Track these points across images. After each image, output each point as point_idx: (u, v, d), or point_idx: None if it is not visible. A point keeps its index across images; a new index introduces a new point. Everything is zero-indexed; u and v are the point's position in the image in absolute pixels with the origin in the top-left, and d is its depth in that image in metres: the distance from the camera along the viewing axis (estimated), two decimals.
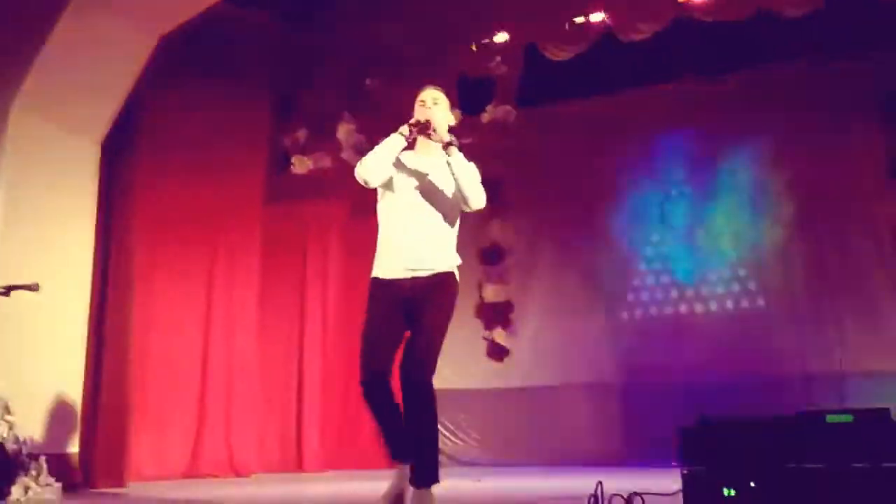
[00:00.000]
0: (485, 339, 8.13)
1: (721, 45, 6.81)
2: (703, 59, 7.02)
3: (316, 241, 7.68)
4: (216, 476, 6.37)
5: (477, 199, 3.31)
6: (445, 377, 7.82)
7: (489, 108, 6.81)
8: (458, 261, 3.35)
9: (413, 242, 3.29)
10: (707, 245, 7.39)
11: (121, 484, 5.41)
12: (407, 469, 3.14)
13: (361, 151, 7.10)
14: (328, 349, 7.51)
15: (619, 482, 2.63)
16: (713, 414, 2.65)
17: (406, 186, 3.38)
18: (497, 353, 8.09)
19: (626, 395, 7.31)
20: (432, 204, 3.33)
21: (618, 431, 7.18)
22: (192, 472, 6.38)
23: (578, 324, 7.56)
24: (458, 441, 7.72)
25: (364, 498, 4.38)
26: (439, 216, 3.32)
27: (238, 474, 6.49)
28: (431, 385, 3.15)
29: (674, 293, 7.44)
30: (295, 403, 7.34)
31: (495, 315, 8.03)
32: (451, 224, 3.35)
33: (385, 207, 3.44)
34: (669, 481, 2.71)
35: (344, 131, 7.02)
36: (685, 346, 7.24)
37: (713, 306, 7.28)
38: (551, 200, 7.89)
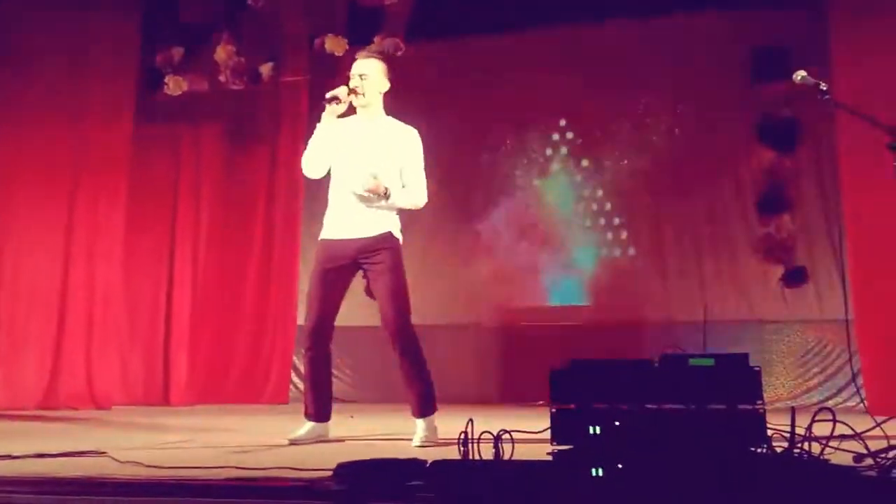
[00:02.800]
0: (364, 277, 8.02)
1: None
2: (590, 3, 7.05)
3: (189, 165, 7.33)
4: (74, 408, 6.10)
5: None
6: None
7: (377, 39, 6.62)
8: (396, 222, 3.69)
9: (350, 206, 3.63)
10: (586, 194, 7.55)
11: None
12: (322, 427, 3.69)
13: (240, 75, 6.85)
14: (199, 279, 7.25)
15: (490, 421, 2.66)
16: (582, 356, 2.70)
17: (345, 152, 3.67)
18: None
19: (501, 337, 7.46)
20: (368, 168, 3.59)
21: (492, 373, 7.34)
22: (48, 404, 6.09)
23: (458, 267, 7.59)
24: (332, 378, 7.68)
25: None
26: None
27: (98, 406, 6.24)
28: (411, 333, 3.61)
29: (552, 239, 7.57)
30: (162, 334, 7.08)
31: None
32: (393, 185, 3.62)
33: (333, 172, 3.73)
34: (539, 421, 2.76)
35: (224, 52, 6.68)
36: (559, 291, 7.43)
37: (588, 254, 7.46)
38: (434, 140, 7.79)
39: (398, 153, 3.72)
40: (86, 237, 6.48)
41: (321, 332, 3.69)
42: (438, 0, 6.51)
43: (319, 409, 3.73)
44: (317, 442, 3.66)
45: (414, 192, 3.73)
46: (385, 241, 3.64)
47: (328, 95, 3.67)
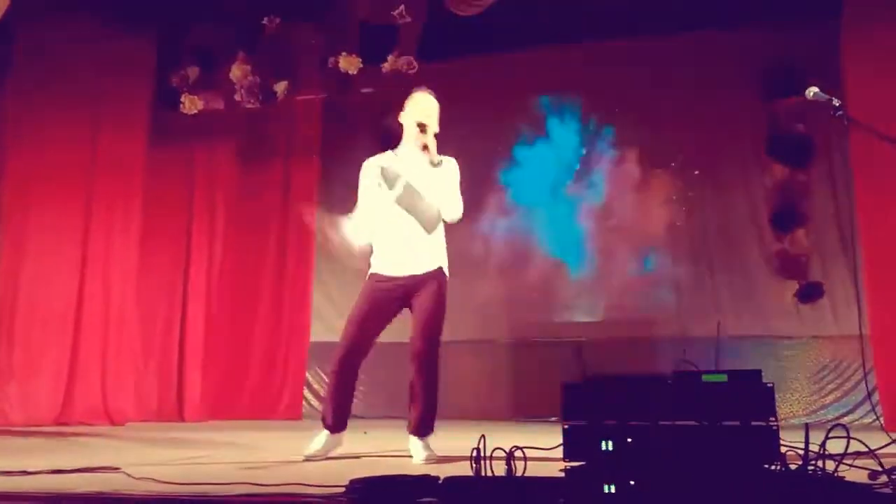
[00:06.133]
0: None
1: (616, 12, 6.89)
2: (601, 23, 7.07)
3: (204, 182, 7.39)
4: (89, 424, 6.13)
5: (451, 213, 3.77)
6: (338, 332, 7.77)
7: (390, 58, 6.67)
8: (445, 258, 3.81)
9: (406, 243, 3.72)
10: (599, 209, 7.54)
11: None
12: (339, 437, 3.77)
13: (255, 94, 6.91)
14: (213, 296, 7.29)
15: (502, 437, 2.66)
16: (596, 372, 2.70)
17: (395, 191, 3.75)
18: None
19: (513, 352, 7.44)
20: (419, 206, 3.72)
21: (505, 388, 7.32)
22: (63, 420, 6.13)
23: (469, 283, 7.57)
24: None
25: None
26: (425, 217, 3.73)
27: (113, 422, 6.27)
28: (434, 360, 3.70)
29: (565, 255, 7.57)
30: (176, 351, 7.11)
31: None
32: (438, 221, 3.79)
33: (388, 209, 3.77)
34: (551, 436, 2.76)
35: (240, 72, 6.74)
36: (573, 308, 7.42)
37: (602, 269, 7.45)
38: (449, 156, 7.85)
39: (447, 185, 3.79)
40: (101, 254, 6.54)
41: (352, 359, 3.76)
42: (450, 18, 6.53)
43: (337, 421, 3.77)
44: (328, 458, 3.66)
45: (450, 205, 3.79)
46: (437, 275, 3.76)
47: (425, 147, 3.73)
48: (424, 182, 3.76)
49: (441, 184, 3.76)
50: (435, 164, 3.72)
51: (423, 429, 3.69)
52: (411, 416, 3.72)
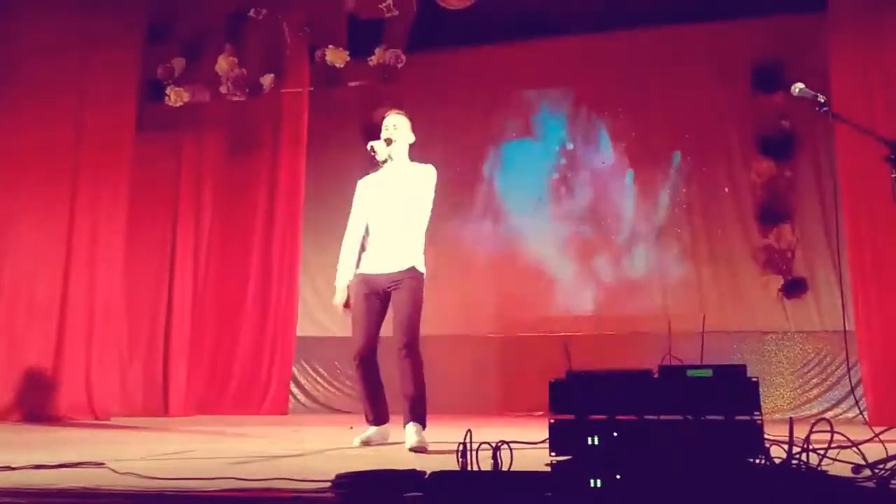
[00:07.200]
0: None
1: (605, 7, 6.90)
2: (590, 16, 7.08)
3: (190, 176, 7.32)
4: (73, 419, 6.09)
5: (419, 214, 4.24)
6: (325, 326, 7.78)
7: (378, 51, 6.66)
8: (421, 257, 4.17)
9: (385, 246, 4.17)
10: (585, 205, 7.56)
11: None
12: (383, 429, 4.16)
13: (241, 87, 6.88)
14: (199, 289, 7.24)
15: (489, 432, 2.66)
16: (581, 367, 2.70)
17: (380, 201, 4.24)
18: None
19: (500, 347, 7.45)
20: (399, 213, 4.17)
21: (491, 383, 7.33)
22: (47, 414, 6.08)
23: (456, 279, 7.59)
24: (332, 389, 7.68)
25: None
26: (405, 222, 4.17)
27: (97, 417, 6.22)
28: (418, 351, 4.03)
29: (553, 251, 7.58)
30: (162, 345, 7.06)
31: None
32: (417, 225, 4.19)
33: (370, 217, 4.30)
34: (538, 431, 2.76)
35: (226, 64, 6.71)
36: (560, 303, 7.44)
37: (588, 264, 7.47)
38: (434, 150, 7.83)
39: (419, 191, 4.21)
40: (86, 247, 6.47)
41: (367, 352, 4.11)
42: (438, 11, 6.53)
43: (377, 414, 4.15)
44: (315, 453, 3.67)
45: (415, 210, 4.22)
46: (409, 273, 4.12)
47: (370, 146, 4.20)
48: (402, 190, 4.19)
49: (414, 190, 4.18)
50: (380, 160, 4.18)
51: (416, 414, 3.92)
52: (405, 406, 3.97)
